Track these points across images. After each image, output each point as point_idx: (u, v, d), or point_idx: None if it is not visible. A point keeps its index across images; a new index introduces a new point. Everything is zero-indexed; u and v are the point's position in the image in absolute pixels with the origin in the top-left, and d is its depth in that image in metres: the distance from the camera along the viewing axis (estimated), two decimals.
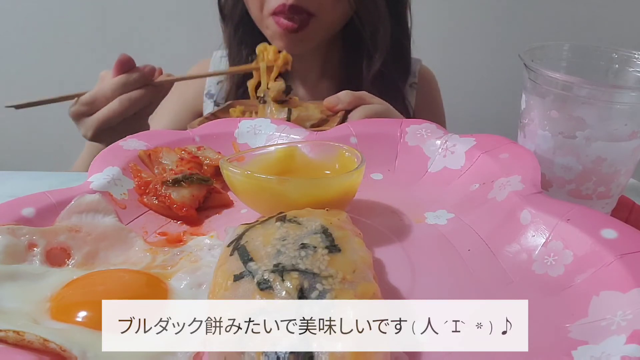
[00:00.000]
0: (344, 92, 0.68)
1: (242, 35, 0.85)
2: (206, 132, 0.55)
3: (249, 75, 0.80)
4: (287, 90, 0.69)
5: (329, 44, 0.85)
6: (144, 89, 0.67)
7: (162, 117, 0.90)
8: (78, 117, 0.68)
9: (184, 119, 0.89)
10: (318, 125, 0.66)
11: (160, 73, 0.71)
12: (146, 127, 0.73)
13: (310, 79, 0.84)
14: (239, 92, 0.85)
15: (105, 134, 0.67)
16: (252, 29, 0.83)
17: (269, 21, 0.76)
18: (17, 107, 0.65)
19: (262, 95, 0.70)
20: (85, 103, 0.67)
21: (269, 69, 0.72)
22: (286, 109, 0.67)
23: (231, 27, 0.85)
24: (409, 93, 0.91)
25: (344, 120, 0.66)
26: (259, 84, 0.73)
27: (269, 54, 0.72)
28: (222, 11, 0.86)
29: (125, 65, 0.67)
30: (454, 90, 1.10)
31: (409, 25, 0.86)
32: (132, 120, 0.68)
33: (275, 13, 0.74)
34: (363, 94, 0.68)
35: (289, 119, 0.65)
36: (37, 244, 0.36)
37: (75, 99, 0.68)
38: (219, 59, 0.94)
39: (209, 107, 0.90)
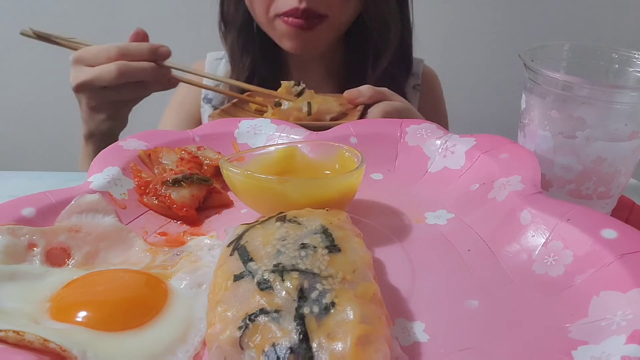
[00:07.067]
0: (365, 86, 0.68)
1: (244, 41, 0.84)
2: (206, 132, 0.55)
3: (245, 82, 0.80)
4: (297, 85, 0.70)
5: (333, 46, 0.85)
6: (147, 65, 0.64)
7: (164, 126, 0.91)
8: (76, 62, 0.66)
9: (186, 127, 0.88)
10: (337, 118, 0.66)
11: (168, 55, 0.66)
12: (126, 112, 0.71)
13: (314, 81, 0.84)
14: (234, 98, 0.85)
15: (88, 91, 0.65)
16: (253, 35, 0.83)
17: (276, 22, 0.76)
18: (35, 33, 0.65)
19: (277, 100, 0.70)
20: (89, 52, 0.65)
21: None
22: (305, 102, 0.66)
23: (234, 32, 0.85)
24: (413, 96, 0.91)
25: (363, 115, 0.66)
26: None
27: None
28: (224, 18, 0.86)
29: (139, 38, 0.68)
30: (454, 90, 1.10)
31: (411, 21, 0.86)
32: (122, 91, 0.65)
33: (284, 14, 0.74)
34: (384, 90, 0.68)
35: (309, 113, 0.65)
36: (37, 244, 0.36)
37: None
38: (213, 61, 0.93)
39: (207, 112, 0.90)
